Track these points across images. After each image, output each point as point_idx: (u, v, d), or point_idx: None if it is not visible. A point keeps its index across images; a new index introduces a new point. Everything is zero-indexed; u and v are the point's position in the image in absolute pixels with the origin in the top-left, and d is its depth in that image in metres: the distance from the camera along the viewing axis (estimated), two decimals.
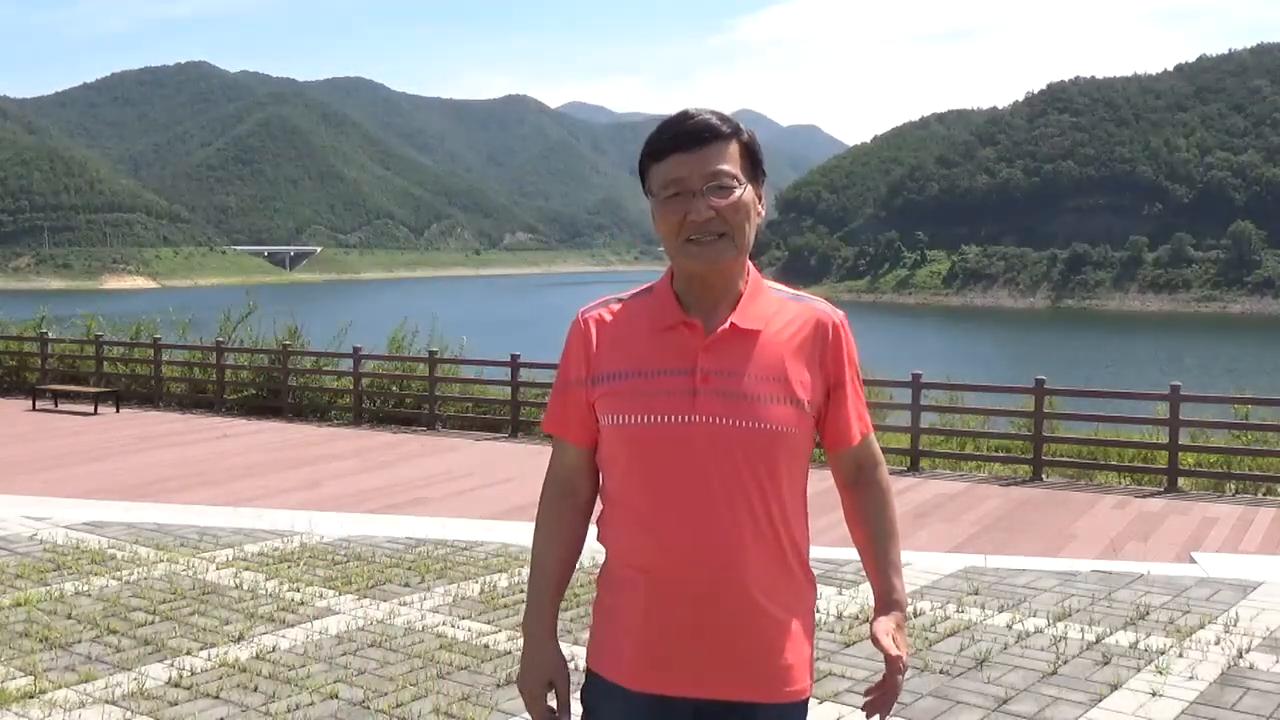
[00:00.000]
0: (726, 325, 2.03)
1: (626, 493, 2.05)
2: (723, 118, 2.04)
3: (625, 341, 2.07)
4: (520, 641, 2.20)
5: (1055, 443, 12.28)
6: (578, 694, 2.15)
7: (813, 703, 5.22)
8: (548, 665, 2.13)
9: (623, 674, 2.05)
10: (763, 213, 2.08)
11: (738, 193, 2.01)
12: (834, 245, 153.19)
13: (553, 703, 2.14)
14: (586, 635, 2.23)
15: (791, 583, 2.07)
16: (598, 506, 2.16)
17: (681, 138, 2.00)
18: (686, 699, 2.02)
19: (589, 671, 2.13)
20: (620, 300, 2.15)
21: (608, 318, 2.12)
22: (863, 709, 2.18)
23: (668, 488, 2.00)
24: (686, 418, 1.99)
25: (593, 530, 2.21)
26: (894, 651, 2.08)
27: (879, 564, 2.20)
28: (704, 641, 2.01)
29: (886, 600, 2.17)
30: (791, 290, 2.16)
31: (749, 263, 2.11)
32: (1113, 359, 60.98)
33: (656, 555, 2.01)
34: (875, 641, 2.11)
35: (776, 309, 2.09)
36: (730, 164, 2.01)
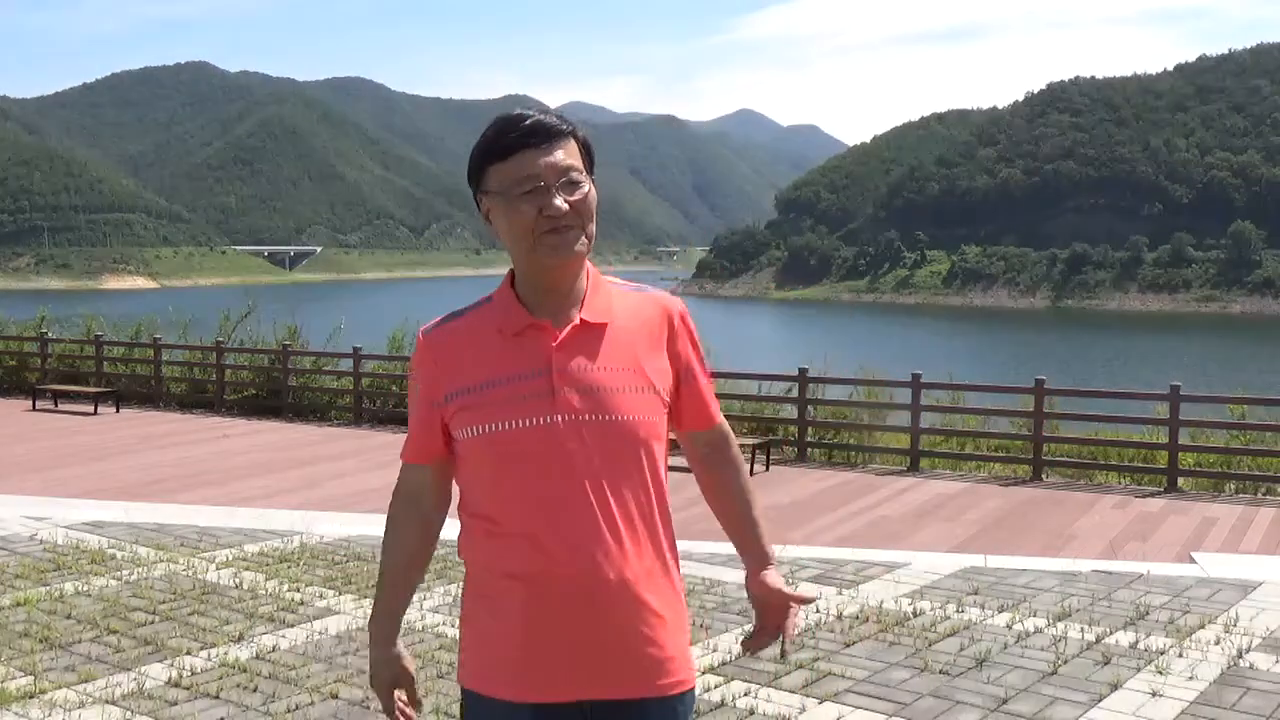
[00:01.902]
0: (576, 321, 2.04)
1: (494, 502, 2.03)
2: (560, 116, 2.05)
3: (475, 353, 2.05)
4: None
5: (1055, 443, 12.28)
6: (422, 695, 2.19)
7: (812, 703, 5.25)
8: (394, 668, 2.17)
9: (507, 687, 2.02)
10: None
11: (586, 188, 2.02)
12: (834, 245, 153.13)
13: (403, 701, 2.20)
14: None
15: (666, 573, 2.08)
16: (453, 523, 2.14)
17: (529, 135, 1.99)
18: (576, 703, 2.01)
19: (467, 692, 2.09)
20: (460, 314, 2.13)
21: (449, 333, 2.09)
22: (747, 649, 2.28)
23: (538, 491, 1.99)
24: (548, 418, 1.98)
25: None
26: (808, 596, 2.24)
27: (748, 527, 2.27)
28: (590, 643, 1.99)
29: (764, 556, 2.25)
30: (630, 283, 2.17)
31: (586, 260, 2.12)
32: (1111, 357, 61.00)
33: (534, 561, 1.98)
34: (778, 590, 2.20)
35: (620, 301, 2.10)
36: (575, 159, 2.02)
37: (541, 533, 1.98)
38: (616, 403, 2.01)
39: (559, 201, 1.98)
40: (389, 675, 2.17)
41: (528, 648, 2.00)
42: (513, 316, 2.05)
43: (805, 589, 7.05)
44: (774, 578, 2.22)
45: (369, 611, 6.76)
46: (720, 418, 2.26)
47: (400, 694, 2.18)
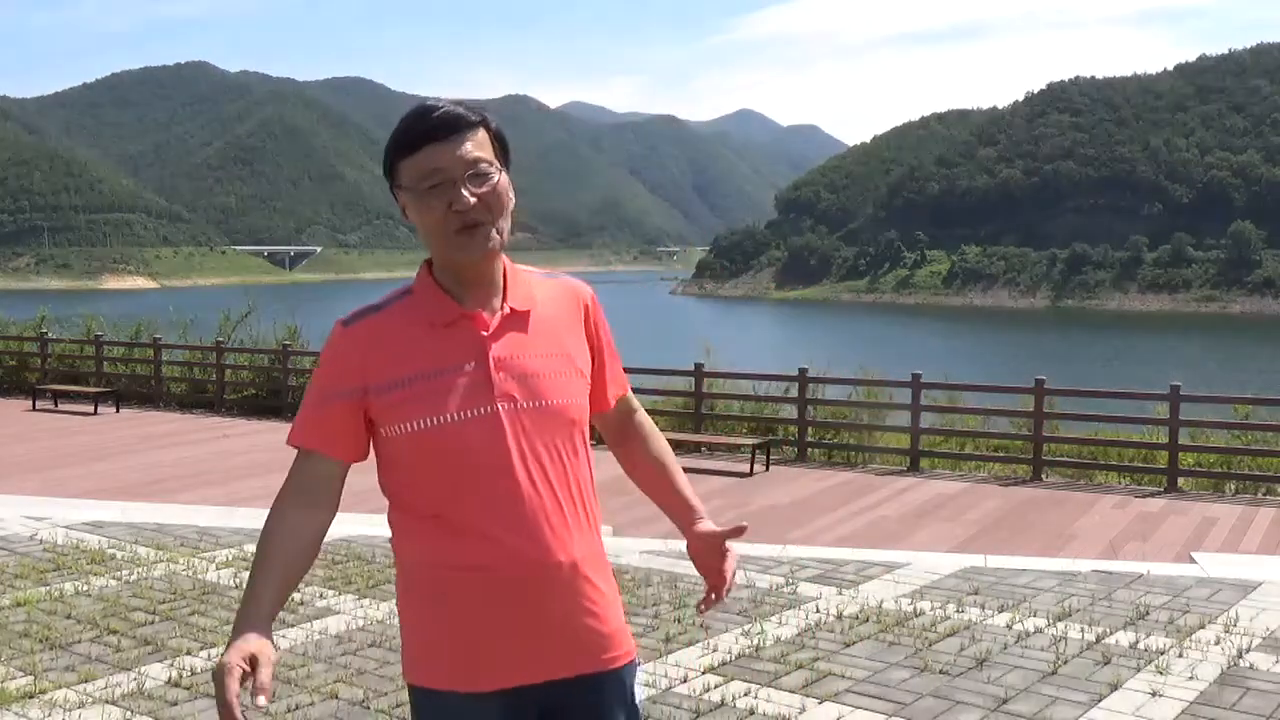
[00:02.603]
0: (506, 311, 2.04)
1: (435, 495, 2.00)
2: (470, 107, 2.02)
3: (404, 346, 2.01)
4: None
5: (1055, 443, 12.28)
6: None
7: (812, 703, 5.25)
8: (253, 641, 1.91)
9: (455, 678, 2.00)
10: (513, 198, 2.06)
11: (496, 178, 2.00)
12: (834, 245, 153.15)
13: (250, 685, 1.87)
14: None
15: (601, 551, 2.12)
16: (377, 518, 2.13)
17: (435, 128, 1.97)
18: (533, 685, 2.02)
19: (417, 690, 2.04)
20: (381, 306, 2.07)
21: (376, 325, 2.04)
22: (700, 606, 2.28)
23: (484, 481, 1.98)
24: (487, 408, 1.98)
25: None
26: (739, 527, 2.22)
27: (673, 487, 2.31)
28: (543, 626, 2.01)
29: (695, 511, 2.28)
30: (540, 270, 2.18)
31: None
32: (1111, 357, 60.99)
33: (487, 551, 1.98)
34: (710, 533, 2.23)
35: (538, 288, 2.11)
36: (484, 151, 2.00)
37: (492, 523, 1.98)
38: (550, 388, 2.03)
39: (466, 194, 1.96)
40: (249, 649, 1.90)
41: (474, 638, 2.00)
42: (442, 308, 2.03)
43: (805, 589, 7.06)
44: (706, 525, 2.26)
45: (369, 612, 6.78)
46: (625, 389, 2.30)
47: (252, 677, 1.88)
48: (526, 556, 1.98)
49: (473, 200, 1.97)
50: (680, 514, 2.30)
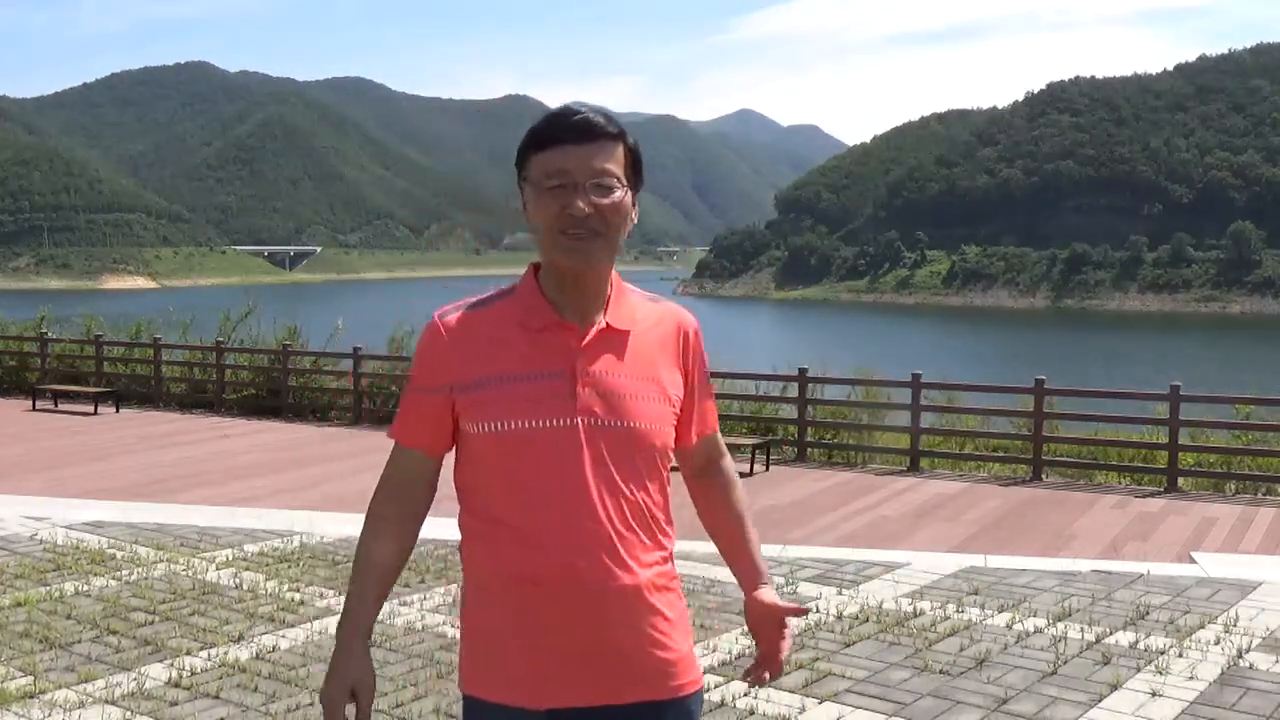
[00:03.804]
0: (602, 325, 2.02)
1: (504, 501, 1.99)
2: (611, 118, 2.01)
3: (494, 345, 2.01)
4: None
5: (1055, 443, 12.27)
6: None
7: (812, 703, 5.25)
8: (354, 672, 2.04)
9: (512, 693, 1.99)
10: (634, 219, 2.04)
11: (618, 194, 1.98)
12: (834, 245, 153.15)
13: (351, 713, 2.04)
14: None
15: (672, 578, 2.09)
16: (447, 520, 2.13)
17: (571, 131, 1.97)
18: (589, 709, 1.99)
19: (469, 699, 2.05)
20: (480, 303, 2.07)
21: (470, 321, 2.04)
22: (748, 678, 2.22)
23: (549, 492, 1.96)
24: (567, 420, 1.96)
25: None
26: (801, 608, 2.20)
27: (744, 544, 2.26)
28: (603, 648, 1.98)
29: (758, 575, 2.23)
30: (649, 293, 2.16)
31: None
32: (1111, 358, 60.98)
33: (546, 565, 1.96)
34: (771, 606, 2.17)
35: (642, 311, 2.09)
36: (615, 165, 1.98)
37: (554, 537, 1.96)
38: (635, 410, 2.00)
39: (582, 203, 1.94)
40: (349, 683, 2.03)
41: (538, 653, 1.98)
42: (537, 312, 2.01)
43: (805, 589, 7.06)
44: (769, 594, 2.21)
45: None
46: (712, 428, 2.26)
47: (351, 708, 2.05)
48: (589, 576, 1.96)
49: (587, 210, 1.95)
50: (745, 575, 2.24)
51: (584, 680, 1.99)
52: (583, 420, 1.96)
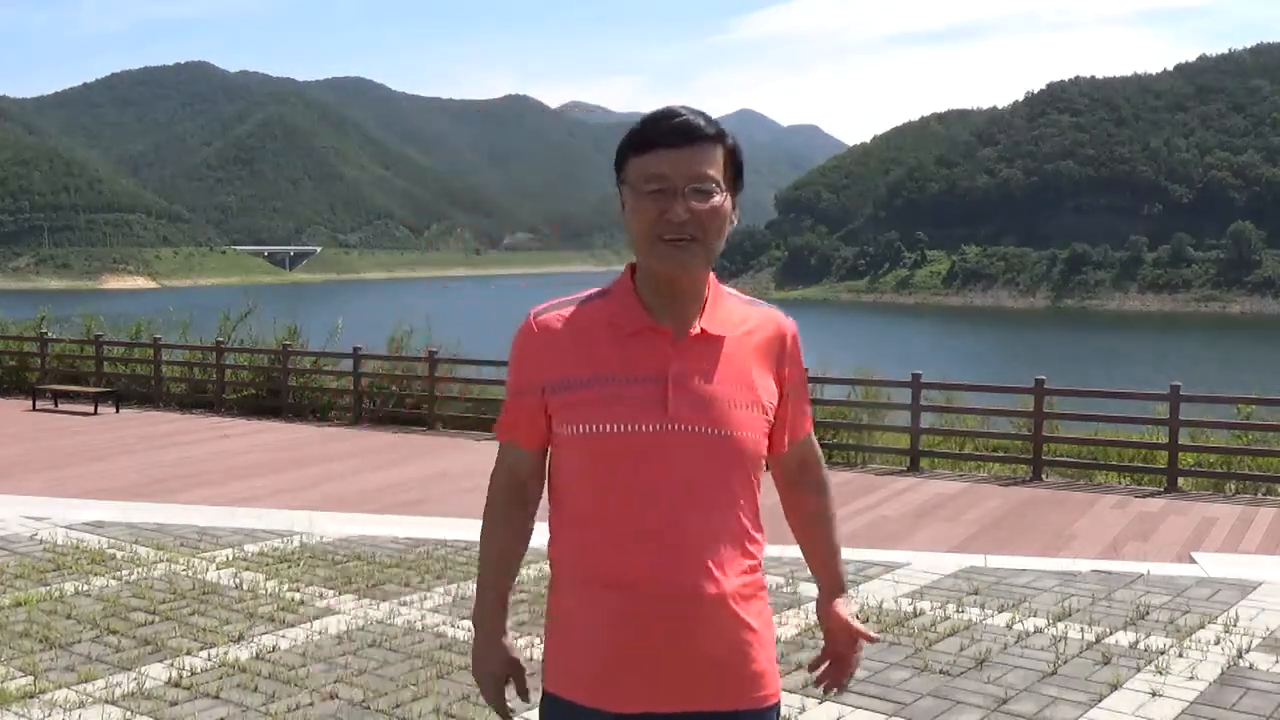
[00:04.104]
0: (696, 331, 1.99)
1: (593, 504, 1.99)
2: (710, 120, 1.98)
3: (586, 347, 1.99)
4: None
5: (1055, 443, 12.27)
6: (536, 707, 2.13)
7: (811, 702, 5.25)
8: (504, 661, 2.13)
9: (593, 694, 1.98)
10: (735, 222, 2.03)
11: (717, 199, 1.95)
12: (834, 245, 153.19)
13: (511, 692, 2.17)
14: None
15: (759, 588, 2.08)
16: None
17: (669, 134, 1.94)
18: (666, 714, 1.98)
19: (549, 695, 2.06)
20: (575, 303, 2.06)
21: (563, 322, 2.03)
22: (821, 684, 2.26)
23: (639, 497, 1.95)
24: (658, 426, 1.94)
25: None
26: (871, 635, 2.20)
27: (828, 553, 2.27)
28: (681, 653, 1.97)
29: (839, 585, 2.26)
30: (746, 296, 2.14)
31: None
32: (1112, 357, 60.96)
33: (630, 570, 1.95)
34: (845, 624, 2.20)
35: (739, 316, 2.06)
36: (714, 169, 1.96)
37: (641, 542, 1.95)
38: (728, 418, 1.98)
39: (680, 208, 1.92)
40: (502, 671, 2.13)
41: (616, 657, 1.97)
42: (631, 315, 2.00)
43: (805, 589, 7.05)
44: (844, 609, 2.23)
45: (369, 612, 6.79)
46: (806, 432, 2.24)
47: (509, 688, 2.16)
48: (672, 582, 1.95)
49: (686, 215, 1.93)
50: (824, 583, 2.27)
51: (664, 686, 1.98)
52: (674, 426, 1.94)
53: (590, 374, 1.97)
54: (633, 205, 1.97)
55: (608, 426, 1.95)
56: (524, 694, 2.16)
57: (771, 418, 2.07)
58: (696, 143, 1.95)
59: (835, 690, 2.25)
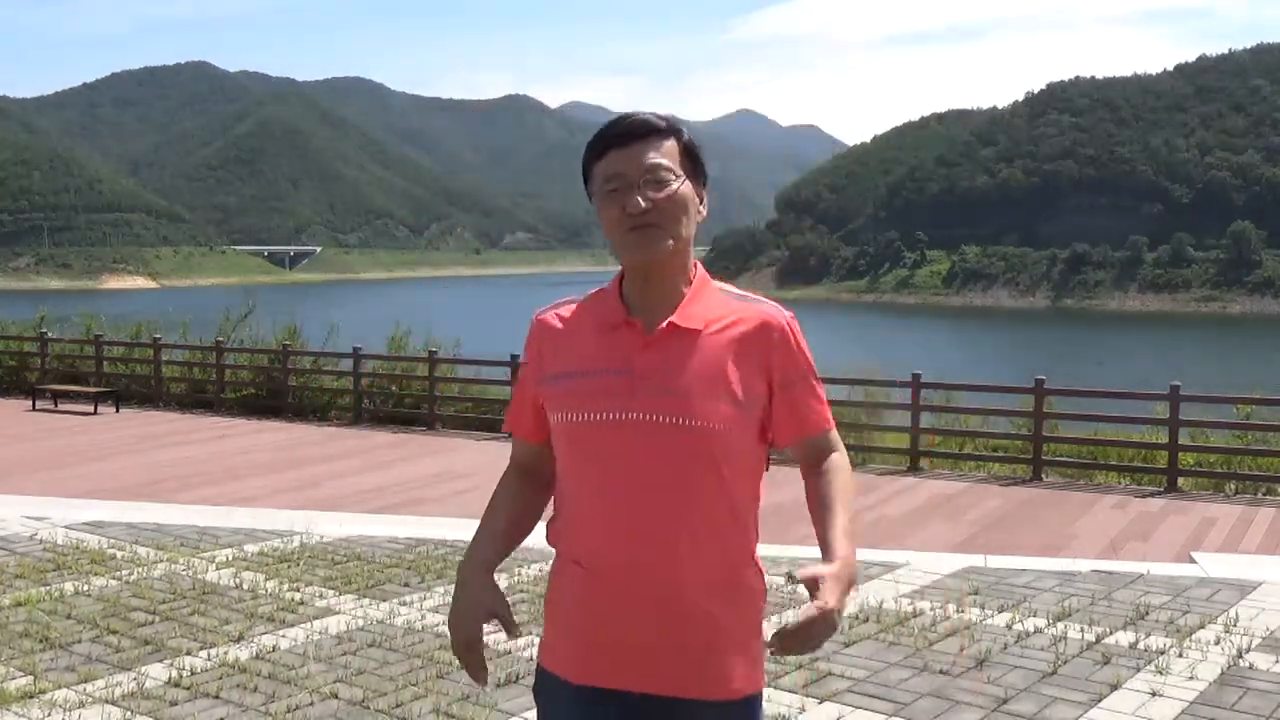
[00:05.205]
0: (665, 324, 2.06)
1: (571, 488, 2.10)
2: (661, 117, 2.08)
3: (572, 342, 2.12)
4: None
5: (1055, 443, 12.28)
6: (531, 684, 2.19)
7: (812, 703, 5.24)
8: (485, 600, 2.11)
9: (565, 667, 2.10)
10: (704, 212, 2.11)
11: (674, 185, 2.04)
12: (834, 245, 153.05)
13: (489, 652, 2.22)
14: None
15: (734, 579, 2.09)
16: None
17: (620, 135, 2.05)
18: (627, 693, 2.05)
19: (539, 668, 2.18)
20: (574, 301, 2.20)
21: (559, 319, 2.17)
22: (769, 643, 2.02)
23: (604, 483, 2.03)
24: (623, 415, 2.02)
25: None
26: (828, 601, 1.99)
27: (825, 526, 2.15)
28: (640, 636, 2.03)
29: (830, 555, 2.10)
30: (739, 291, 2.16)
31: (698, 264, 2.13)
32: (1115, 357, 60.95)
33: (592, 549, 2.06)
34: (811, 575, 2.02)
35: (721, 309, 2.09)
36: (667, 158, 2.04)
37: (600, 525, 2.04)
38: (692, 408, 2.01)
39: (637, 198, 2.01)
40: (482, 609, 2.09)
41: (584, 632, 2.08)
42: (610, 311, 2.10)
43: (804, 589, 7.04)
44: (814, 568, 2.11)
45: (369, 612, 6.78)
46: (819, 430, 2.17)
47: (490, 638, 2.21)
48: (624, 563, 2.03)
49: (643, 205, 2.01)
50: (824, 547, 2.19)
51: (620, 665, 2.05)
52: (638, 416, 2.02)
53: (575, 367, 2.09)
54: (600, 207, 2.07)
55: (582, 415, 2.05)
56: (512, 627, 2.11)
57: (755, 410, 2.07)
58: (646, 138, 2.05)
59: (776, 652, 2.02)
